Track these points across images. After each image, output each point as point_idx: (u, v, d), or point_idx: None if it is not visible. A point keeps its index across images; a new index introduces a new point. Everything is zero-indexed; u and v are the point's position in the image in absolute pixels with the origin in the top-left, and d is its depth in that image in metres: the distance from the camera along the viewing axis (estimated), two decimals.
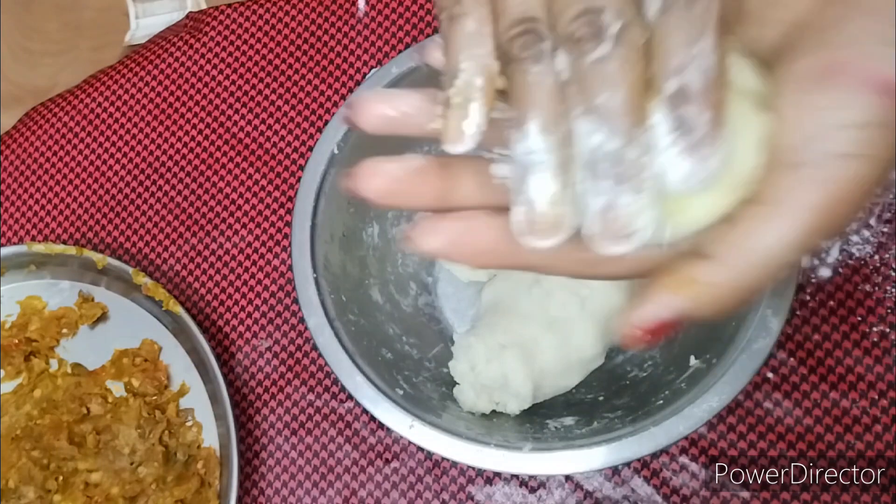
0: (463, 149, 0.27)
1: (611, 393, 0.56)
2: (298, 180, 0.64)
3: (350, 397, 0.60)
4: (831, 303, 0.56)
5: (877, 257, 0.57)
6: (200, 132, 0.67)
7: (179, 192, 0.66)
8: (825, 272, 0.57)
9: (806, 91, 0.26)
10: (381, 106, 0.30)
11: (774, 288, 0.48)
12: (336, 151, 0.56)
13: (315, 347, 0.54)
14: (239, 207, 0.65)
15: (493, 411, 0.55)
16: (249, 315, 0.63)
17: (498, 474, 0.58)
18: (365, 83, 0.57)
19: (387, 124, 0.30)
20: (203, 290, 0.64)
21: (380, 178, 0.30)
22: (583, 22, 0.25)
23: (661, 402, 0.50)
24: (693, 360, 0.51)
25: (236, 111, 0.67)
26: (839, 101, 0.25)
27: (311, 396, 0.61)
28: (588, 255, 0.27)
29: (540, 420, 0.54)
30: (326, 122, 0.64)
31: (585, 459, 0.48)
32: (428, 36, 0.65)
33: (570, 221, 0.27)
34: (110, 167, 0.68)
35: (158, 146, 0.67)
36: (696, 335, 0.54)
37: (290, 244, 0.54)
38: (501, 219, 0.28)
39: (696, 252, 0.27)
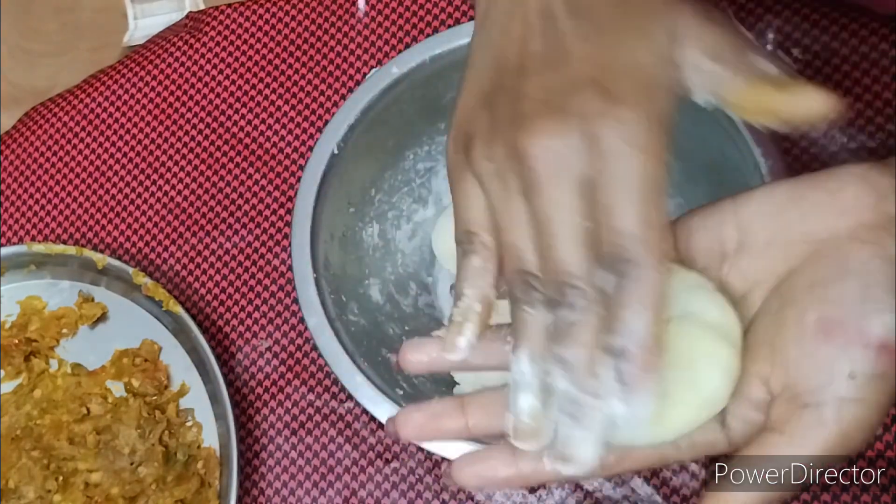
0: (456, 357, 0.34)
1: None
2: (298, 180, 0.64)
3: (350, 397, 0.60)
4: None
5: None
6: (200, 132, 0.67)
7: (179, 192, 0.66)
8: None
9: (810, 341, 0.31)
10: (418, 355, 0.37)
11: None
12: (336, 151, 0.56)
13: (315, 348, 0.54)
14: (239, 207, 0.65)
15: None
16: (249, 315, 0.63)
17: None
18: (365, 83, 0.57)
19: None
20: (203, 290, 0.64)
21: (410, 427, 0.36)
22: (559, 291, 0.32)
23: None
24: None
25: (236, 111, 0.67)
26: (842, 355, 0.30)
27: (311, 396, 0.61)
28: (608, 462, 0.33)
29: None
30: (326, 122, 0.64)
31: None
32: (428, 36, 0.65)
33: (546, 433, 0.33)
34: (110, 167, 0.68)
35: (158, 146, 0.67)
36: None
37: (290, 244, 0.54)
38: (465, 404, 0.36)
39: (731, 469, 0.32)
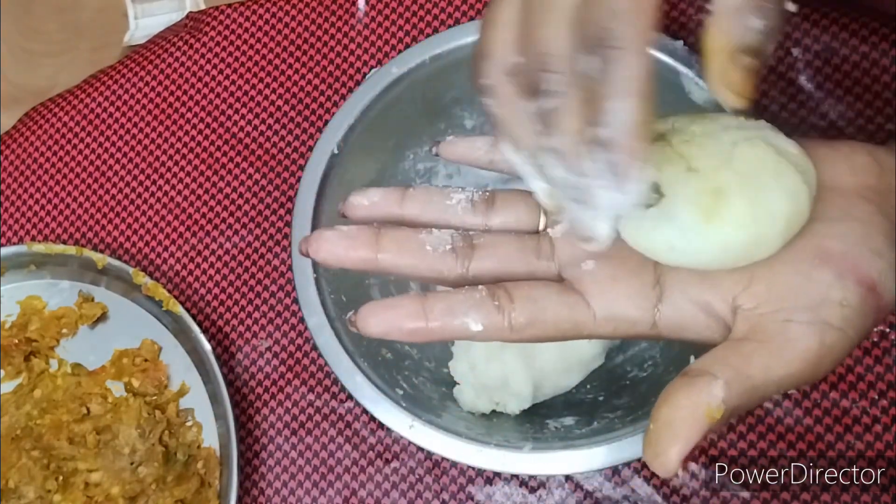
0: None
1: (611, 393, 0.56)
2: (298, 180, 0.64)
3: (350, 397, 0.60)
4: None
5: None
6: (200, 132, 0.67)
7: (179, 192, 0.66)
8: None
9: (807, 265, 0.32)
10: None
11: None
12: (336, 151, 0.56)
13: (315, 347, 0.54)
14: (239, 207, 0.65)
15: (493, 411, 0.55)
16: (249, 315, 0.63)
17: (498, 474, 0.58)
18: (365, 83, 0.57)
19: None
20: (203, 290, 0.64)
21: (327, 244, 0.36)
22: (539, 75, 0.31)
23: None
24: (693, 360, 0.51)
25: (236, 111, 0.67)
26: (837, 283, 0.31)
27: (311, 396, 0.61)
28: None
29: (540, 420, 0.54)
30: (326, 122, 0.64)
31: (585, 459, 0.48)
32: (428, 36, 0.65)
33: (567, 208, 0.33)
34: (110, 167, 0.68)
35: (158, 146, 0.67)
36: None
37: (290, 244, 0.54)
38: (430, 299, 0.34)
39: (703, 371, 0.32)
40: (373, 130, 0.57)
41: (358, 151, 0.57)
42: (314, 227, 0.54)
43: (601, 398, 0.55)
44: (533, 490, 0.57)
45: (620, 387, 0.56)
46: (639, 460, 0.56)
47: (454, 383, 0.55)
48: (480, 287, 0.34)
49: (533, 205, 0.37)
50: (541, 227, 0.37)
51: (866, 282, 0.31)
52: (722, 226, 0.32)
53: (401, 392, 0.52)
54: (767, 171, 0.32)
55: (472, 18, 0.65)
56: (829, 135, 0.58)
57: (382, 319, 0.34)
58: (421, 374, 0.56)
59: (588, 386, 0.56)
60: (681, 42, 0.53)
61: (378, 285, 0.59)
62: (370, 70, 0.66)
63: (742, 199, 0.32)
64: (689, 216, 0.32)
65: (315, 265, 0.54)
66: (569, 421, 0.53)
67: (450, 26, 0.65)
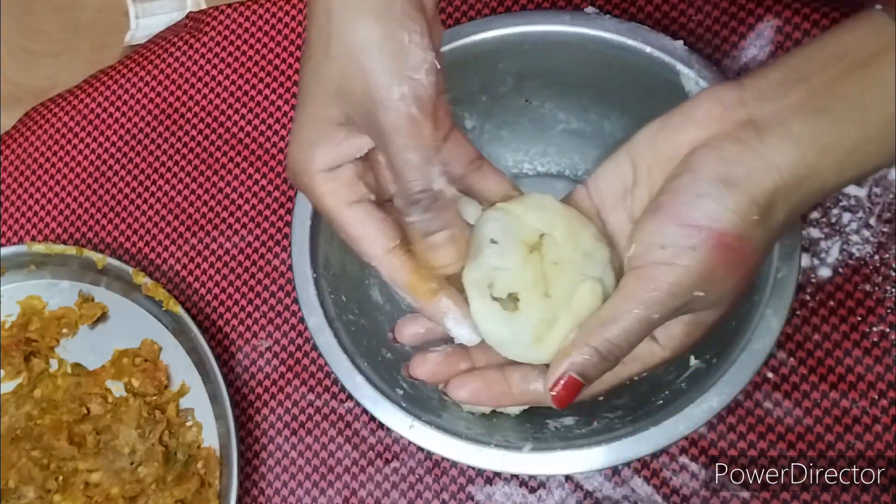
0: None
1: (611, 393, 0.55)
2: None
3: (350, 397, 0.60)
4: (831, 303, 0.56)
5: (877, 257, 0.57)
6: (200, 132, 0.67)
7: (179, 192, 0.66)
8: (825, 272, 0.57)
9: (643, 221, 0.38)
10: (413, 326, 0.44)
11: (774, 288, 0.48)
12: None
13: (315, 347, 0.54)
14: (239, 207, 0.65)
15: (493, 411, 0.55)
16: (249, 315, 0.63)
17: (498, 474, 0.58)
18: None
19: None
20: (203, 290, 0.64)
21: (427, 365, 0.43)
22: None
23: (661, 402, 0.50)
24: (693, 360, 0.51)
25: (236, 111, 0.67)
26: (657, 230, 0.37)
27: (311, 396, 0.61)
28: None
29: (540, 420, 0.54)
30: None
31: (585, 459, 0.48)
32: None
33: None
34: (110, 167, 0.68)
35: (158, 146, 0.67)
36: None
37: (289, 244, 0.54)
38: (506, 372, 0.42)
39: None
40: None
41: None
42: (314, 227, 0.54)
43: (601, 398, 0.55)
44: (533, 490, 0.57)
45: (620, 387, 0.55)
46: (639, 460, 0.56)
47: None
48: None
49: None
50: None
51: (687, 223, 0.36)
52: (542, 349, 0.40)
53: (401, 392, 0.52)
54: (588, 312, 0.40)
55: (471, 19, 0.65)
56: None
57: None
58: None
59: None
60: (681, 42, 0.53)
61: (378, 285, 0.59)
62: None
63: (562, 332, 0.40)
64: (526, 335, 0.40)
65: (315, 265, 0.54)
66: (569, 421, 0.53)
67: (450, 26, 0.65)
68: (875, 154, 0.37)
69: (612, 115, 0.59)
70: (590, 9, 0.55)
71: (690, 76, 0.53)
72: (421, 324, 0.43)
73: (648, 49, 0.54)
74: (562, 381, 0.38)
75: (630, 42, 0.54)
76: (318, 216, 0.55)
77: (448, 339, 0.42)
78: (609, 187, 0.42)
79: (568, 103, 0.60)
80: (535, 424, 0.54)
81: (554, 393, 0.38)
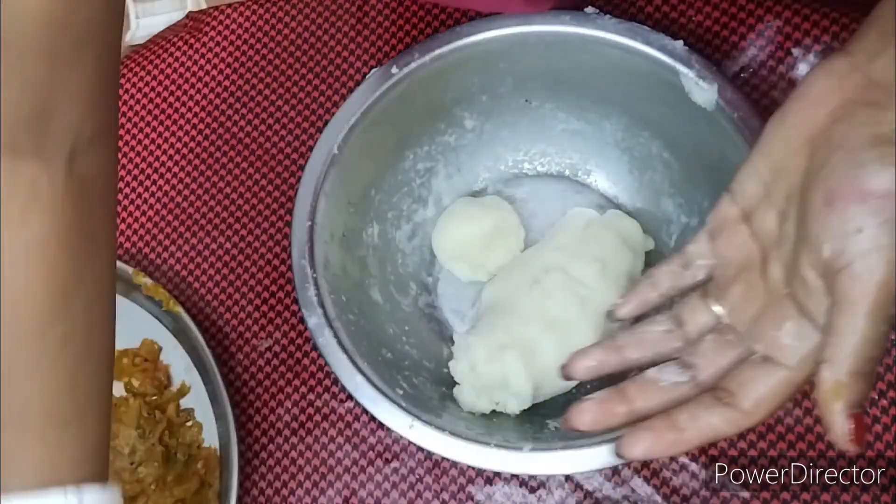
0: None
1: None
2: (298, 180, 0.64)
3: (350, 397, 0.60)
4: None
5: None
6: (200, 132, 0.67)
7: (179, 192, 0.66)
8: None
9: (820, 216, 0.35)
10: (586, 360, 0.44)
11: None
12: (336, 151, 0.56)
13: (315, 347, 0.54)
14: (239, 207, 0.65)
15: (493, 411, 0.55)
16: (249, 315, 0.63)
17: (498, 474, 0.58)
18: (365, 83, 0.57)
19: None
20: (203, 290, 0.64)
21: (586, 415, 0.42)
22: None
23: None
24: None
25: (236, 111, 0.67)
26: (844, 216, 0.34)
27: (311, 396, 0.61)
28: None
29: (540, 420, 0.54)
30: (326, 122, 0.64)
31: (585, 459, 0.48)
32: (428, 36, 0.65)
33: None
34: None
35: (158, 146, 0.67)
36: None
37: (290, 244, 0.55)
38: (671, 415, 0.40)
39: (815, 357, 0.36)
40: (373, 130, 0.57)
41: (358, 151, 0.57)
42: (313, 226, 0.54)
43: None
44: (533, 490, 0.57)
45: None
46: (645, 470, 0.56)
47: (454, 383, 0.55)
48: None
49: (702, 304, 0.43)
50: (718, 312, 0.42)
51: (867, 195, 0.34)
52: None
53: (401, 392, 0.52)
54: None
55: (471, 19, 0.65)
56: None
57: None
58: (421, 374, 0.56)
59: (588, 386, 0.56)
60: (681, 42, 0.53)
61: (378, 286, 0.59)
62: (370, 70, 0.66)
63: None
64: None
65: (315, 265, 0.54)
66: None
67: (450, 26, 0.65)
68: None
69: (613, 115, 0.59)
70: (589, 9, 0.56)
71: (690, 76, 0.53)
72: (594, 357, 0.44)
73: (648, 49, 0.54)
74: (850, 424, 0.35)
75: (630, 42, 0.54)
76: (318, 216, 0.55)
77: (615, 376, 0.43)
78: (751, 190, 0.41)
79: (568, 103, 0.60)
80: (535, 424, 0.54)
81: (851, 442, 0.35)
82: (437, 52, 0.56)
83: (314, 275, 0.53)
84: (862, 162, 0.34)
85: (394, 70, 0.57)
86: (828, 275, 0.35)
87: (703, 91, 0.53)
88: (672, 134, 0.57)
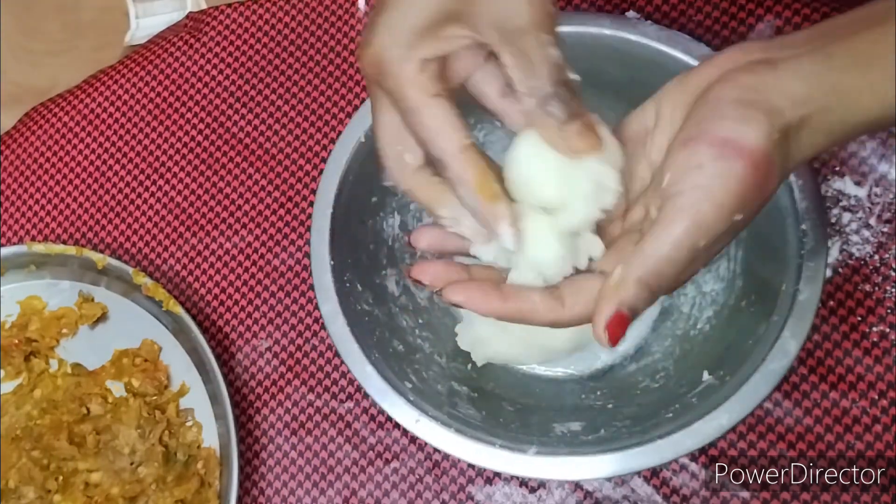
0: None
1: (621, 401, 0.55)
2: (298, 180, 0.64)
3: (350, 397, 0.60)
4: (831, 303, 0.56)
5: (877, 257, 0.57)
6: (200, 132, 0.67)
7: (179, 192, 0.66)
8: (825, 272, 0.57)
9: (676, 153, 0.38)
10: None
11: (795, 310, 0.48)
12: (363, 140, 0.55)
13: (325, 327, 0.53)
14: (239, 207, 0.65)
15: (494, 405, 0.55)
16: (249, 315, 0.63)
17: (498, 474, 0.58)
18: None
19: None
20: (203, 290, 0.64)
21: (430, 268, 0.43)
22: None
23: (671, 415, 0.50)
24: (706, 376, 0.51)
25: (236, 111, 0.67)
26: (692, 154, 0.37)
27: (311, 396, 0.61)
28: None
29: (546, 422, 0.54)
30: (326, 122, 0.64)
31: (590, 467, 0.48)
32: None
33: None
34: (110, 167, 0.68)
35: (158, 146, 0.67)
36: (711, 350, 0.53)
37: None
38: (503, 288, 0.41)
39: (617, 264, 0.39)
40: None
41: None
42: (335, 213, 0.54)
43: (610, 406, 0.55)
44: (533, 490, 0.57)
45: (631, 396, 0.55)
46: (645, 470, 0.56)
47: (463, 378, 0.55)
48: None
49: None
50: None
51: (717, 142, 0.36)
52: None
53: (409, 385, 0.52)
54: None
55: None
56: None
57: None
58: (431, 369, 0.55)
59: (598, 392, 0.56)
60: (703, 44, 0.53)
61: (395, 277, 0.59)
62: None
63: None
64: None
65: (333, 252, 0.53)
66: (575, 426, 0.53)
67: None
68: (879, 104, 0.37)
69: None
70: (631, 13, 0.55)
71: None
72: (439, 232, 0.44)
73: (687, 59, 0.53)
74: (610, 318, 0.38)
75: (669, 51, 0.54)
76: (339, 203, 0.54)
77: (459, 256, 0.43)
78: (631, 132, 0.42)
79: (603, 106, 0.60)
80: (541, 426, 0.54)
81: (604, 330, 0.38)
82: None
83: (332, 262, 0.53)
84: (724, 115, 0.37)
85: None
86: (662, 202, 0.38)
87: None
88: None
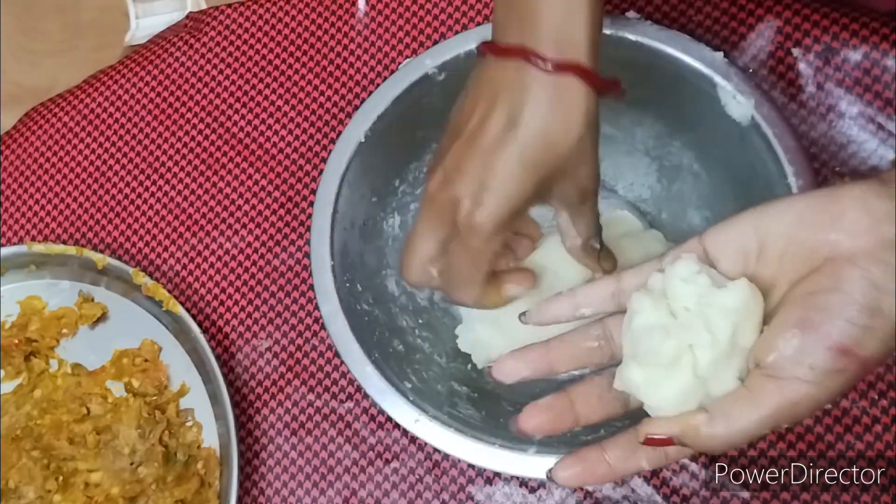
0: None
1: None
2: (298, 180, 0.64)
3: (350, 397, 0.60)
4: None
5: None
6: (200, 132, 0.67)
7: (179, 192, 0.66)
8: None
9: (788, 332, 0.38)
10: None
11: None
12: (363, 140, 0.55)
13: (325, 327, 0.53)
14: (239, 207, 0.65)
15: (492, 403, 0.55)
16: (249, 315, 0.63)
17: (498, 474, 0.58)
18: (397, 72, 0.56)
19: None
20: (203, 290, 0.64)
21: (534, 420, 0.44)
22: None
23: None
24: None
25: (236, 111, 0.67)
26: (807, 347, 0.37)
27: (311, 396, 0.61)
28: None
29: None
30: (326, 122, 0.64)
31: None
32: (429, 37, 0.65)
33: None
34: (110, 167, 0.68)
35: (158, 146, 0.67)
36: None
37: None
38: (606, 449, 0.42)
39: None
40: (401, 121, 0.56)
41: (385, 141, 0.56)
42: (335, 213, 0.54)
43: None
44: (533, 490, 0.57)
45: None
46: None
47: (464, 379, 0.55)
48: None
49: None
50: None
51: (836, 346, 0.36)
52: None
53: (409, 385, 0.52)
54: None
55: (478, 24, 0.65)
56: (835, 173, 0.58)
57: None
58: (431, 369, 0.56)
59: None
60: (720, 53, 0.53)
61: (395, 277, 0.59)
62: (371, 70, 0.66)
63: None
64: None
65: (333, 252, 0.53)
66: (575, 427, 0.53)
67: (457, 32, 0.65)
68: None
69: (645, 122, 0.59)
70: (631, 13, 0.55)
71: (728, 89, 0.52)
72: (527, 359, 0.45)
73: (687, 58, 0.53)
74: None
75: (669, 50, 0.53)
76: (340, 203, 0.54)
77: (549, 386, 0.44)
78: (726, 250, 0.41)
79: (601, 107, 0.60)
80: None
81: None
82: (470, 48, 0.55)
83: (332, 262, 0.53)
84: (851, 319, 0.37)
85: (427, 62, 0.56)
86: (753, 363, 0.39)
87: (739, 105, 0.52)
88: (704, 146, 0.57)
